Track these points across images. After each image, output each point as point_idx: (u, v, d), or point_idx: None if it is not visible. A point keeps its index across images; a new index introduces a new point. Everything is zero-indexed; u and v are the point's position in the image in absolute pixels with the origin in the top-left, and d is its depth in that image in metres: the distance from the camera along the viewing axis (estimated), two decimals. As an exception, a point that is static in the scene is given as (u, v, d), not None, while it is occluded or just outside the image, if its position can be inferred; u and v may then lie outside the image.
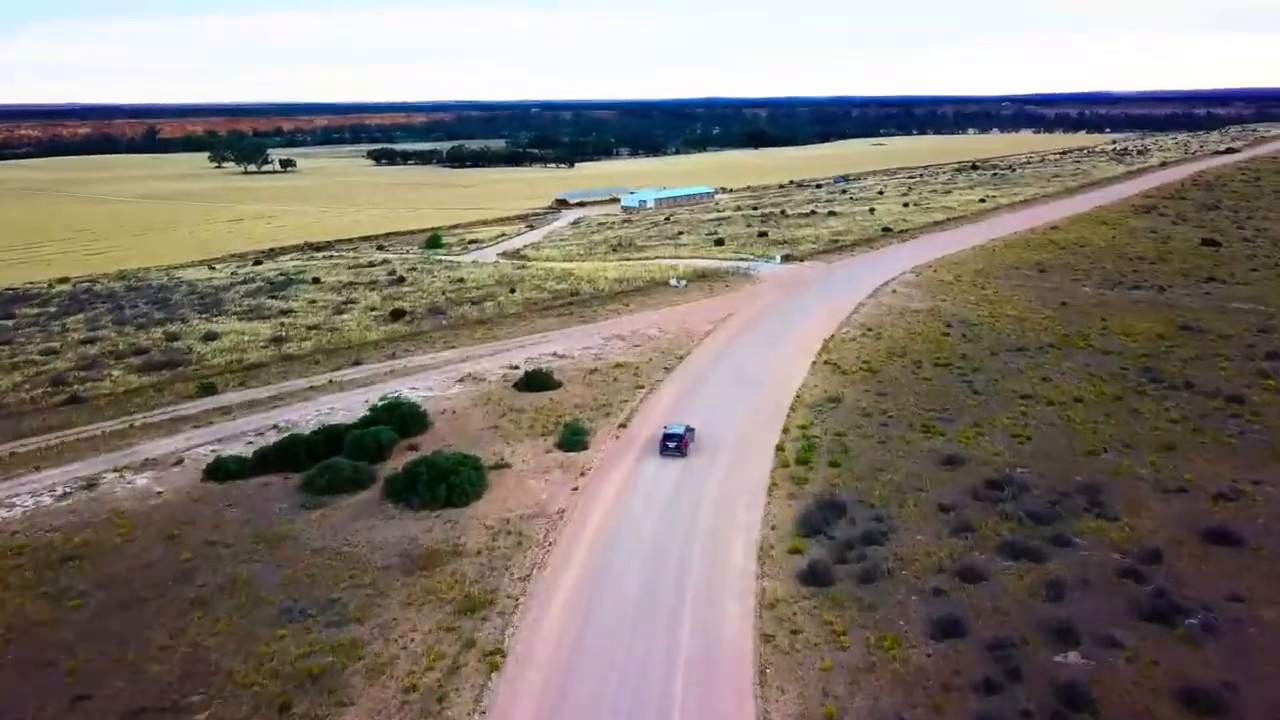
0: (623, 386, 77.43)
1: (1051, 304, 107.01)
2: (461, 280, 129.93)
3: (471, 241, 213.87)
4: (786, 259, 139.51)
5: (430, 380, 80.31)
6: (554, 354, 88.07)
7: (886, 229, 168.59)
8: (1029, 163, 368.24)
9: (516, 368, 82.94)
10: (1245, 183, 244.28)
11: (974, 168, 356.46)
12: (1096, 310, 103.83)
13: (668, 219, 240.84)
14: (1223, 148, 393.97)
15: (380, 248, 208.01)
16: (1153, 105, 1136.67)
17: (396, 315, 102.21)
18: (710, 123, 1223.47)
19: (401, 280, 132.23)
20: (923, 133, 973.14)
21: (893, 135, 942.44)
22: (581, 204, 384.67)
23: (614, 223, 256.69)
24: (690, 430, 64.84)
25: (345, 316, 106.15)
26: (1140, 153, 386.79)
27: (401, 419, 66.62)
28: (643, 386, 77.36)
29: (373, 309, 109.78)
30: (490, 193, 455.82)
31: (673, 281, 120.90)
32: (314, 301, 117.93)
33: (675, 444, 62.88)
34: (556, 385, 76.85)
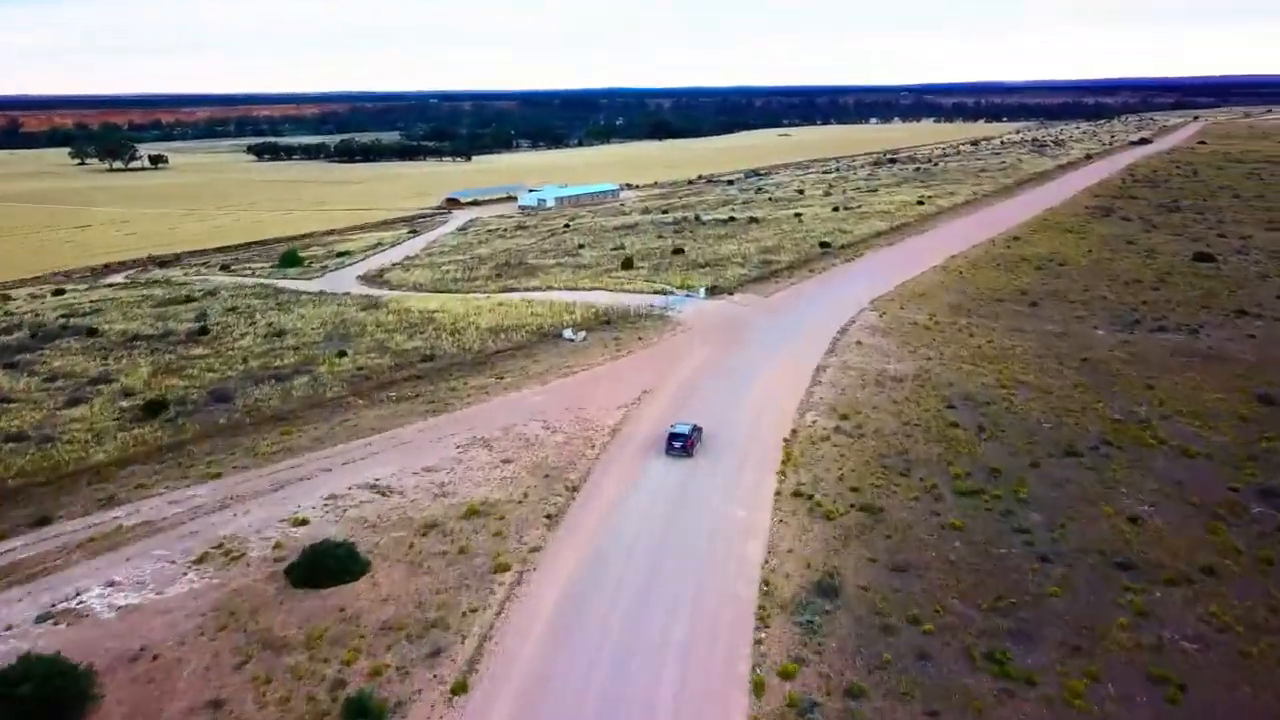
0: (474, 568, 45.98)
1: (1070, 360, 79.80)
2: (282, 333, 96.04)
3: (341, 253, 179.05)
4: (713, 291, 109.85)
5: (145, 565, 46.91)
6: (374, 484, 55.97)
7: (824, 244, 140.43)
8: (947, 155, 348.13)
9: (304, 523, 50.76)
10: (1185, 178, 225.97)
11: (891, 160, 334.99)
12: (1131, 370, 76.96)
13: (568, 225, 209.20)
14: (1136, 138, 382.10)
15: (225, 267, 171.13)
16: (1044, 95, 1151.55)
17: (152, 410, 67.91)
18: (614, 113, 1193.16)
19: (204, 331, 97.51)
20: (826, 122, 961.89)
21: (797, 125, 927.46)
22: (475, 203, 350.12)
23: (507, 229, 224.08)
24: (698, 430, 61.69)
25: (79, 411, 71.29)
26: (1057, 143, 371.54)
27: (38, 699, 34.11)
28: (506, 566, 46.13)
29: (129, 394, 75.04)
30: (377, 191, 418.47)
31: (567, 334, 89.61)
32: (53, 380, 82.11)
33: (681, 444, 59.55)
34: (359, 572, 44.99)
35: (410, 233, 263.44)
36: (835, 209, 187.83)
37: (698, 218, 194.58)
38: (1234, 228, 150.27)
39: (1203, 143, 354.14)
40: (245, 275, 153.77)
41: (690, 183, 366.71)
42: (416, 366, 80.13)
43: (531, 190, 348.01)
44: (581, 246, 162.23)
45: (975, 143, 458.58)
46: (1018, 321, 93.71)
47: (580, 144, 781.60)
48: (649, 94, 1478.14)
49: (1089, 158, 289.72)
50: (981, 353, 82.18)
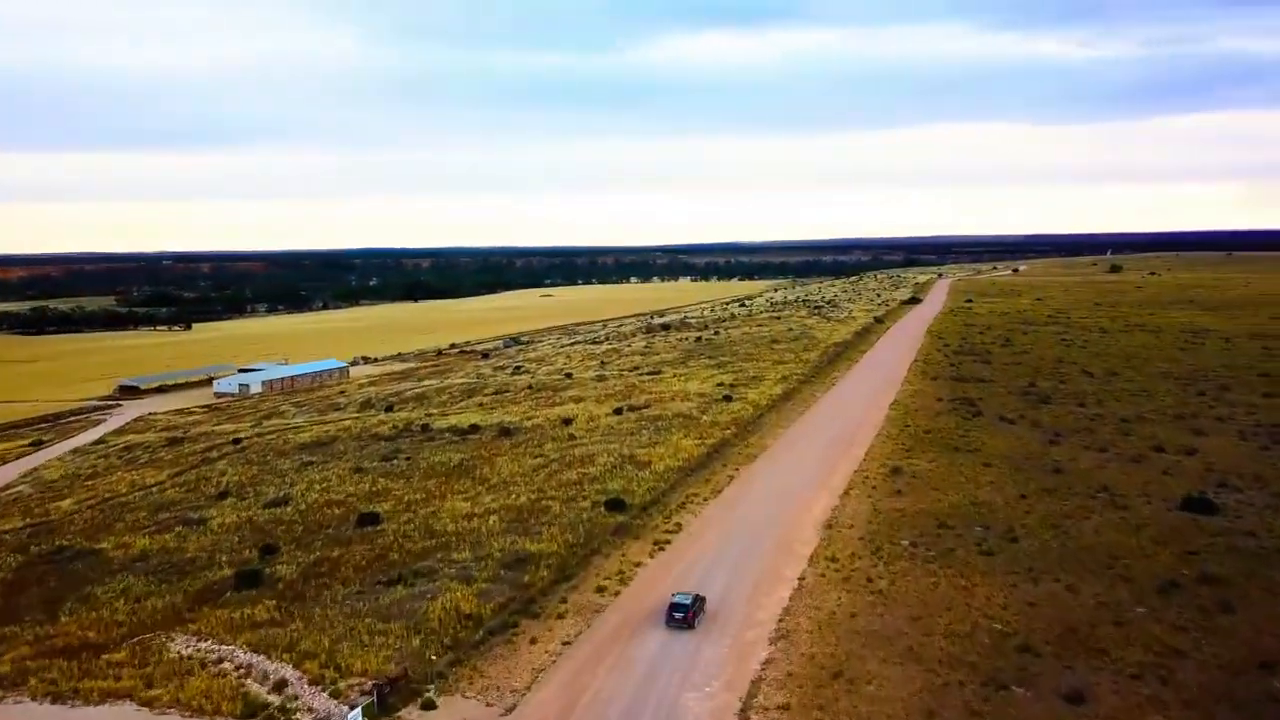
0: None
1: None
2: None
3: None
4: (386, 692, 48.94)
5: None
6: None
7: (614, 502, 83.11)
8: (721, 320, 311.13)
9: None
10: (999, 345, 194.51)
11: (664, 327, 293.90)
12: None
13: (238, 442, 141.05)
14: (907, 296, 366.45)
15: None
16: (787, 254, 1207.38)
17: None
18: (369, 273, 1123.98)
19: None
20: (588, 282, 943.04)
21: (560, 285, 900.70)
22: (161, 389, 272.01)
23: (157, 444, 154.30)
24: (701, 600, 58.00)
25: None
26: (831, 304, 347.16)
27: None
28: None
29: None
30: (57, 372, 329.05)
31: None
32: None
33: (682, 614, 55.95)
34: None
35: (32, 445, 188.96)
36: (618, 410, 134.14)
37: (426, 427, 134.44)
38: (1148, 427, 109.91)
39: (969, 301, 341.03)
40: None
41: (440, 354, 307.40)
42: None
43: (243, 369, 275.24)
44: (226, 493, 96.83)
45: (743, 302, 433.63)
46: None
47: (325, 306, 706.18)
48: (408, 254, 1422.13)
49: (879, 321, 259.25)
50: None
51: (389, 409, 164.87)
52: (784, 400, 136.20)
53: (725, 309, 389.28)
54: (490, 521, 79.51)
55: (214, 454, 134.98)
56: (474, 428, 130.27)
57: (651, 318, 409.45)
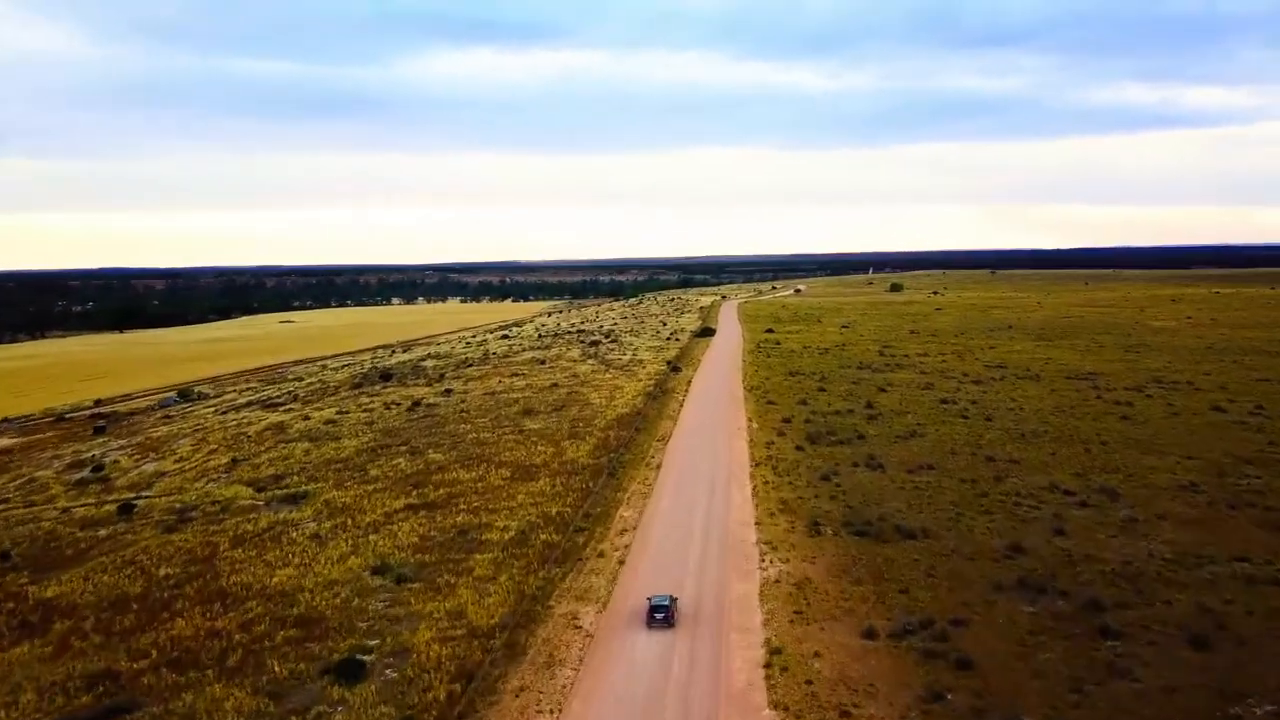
0: None
1: None
2: None
3: None
4: None
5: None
6: None
7: None
8: (469, 362, 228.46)
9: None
10: (851, 407, 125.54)
11: (386, 376, 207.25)
12: None
13: None
14: (697, 327, 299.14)
15: None
16: (564, 273, 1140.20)
17: None
18: (89, 297, 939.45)
19: None
20: (343, 303, 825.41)
21: (309, 308, 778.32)
22: None
23: None
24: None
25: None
26: (610, 337, 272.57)
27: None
28: None
29: None
30: None
31: None
32: None
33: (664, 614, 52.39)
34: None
35: None
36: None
37: None
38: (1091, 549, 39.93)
39: (770, 331, 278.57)
40: None
41: (62, 419, 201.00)
42: None
43: None
44: None
45: (507, 332, 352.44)
46: None
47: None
48: (142, 274, 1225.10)
49: (676, 369, 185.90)
50: None
51: None
52: (506, 628, 56.19)
53: (483, 342, 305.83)
54: None
55: None
56: None
57: (393, 351, 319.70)
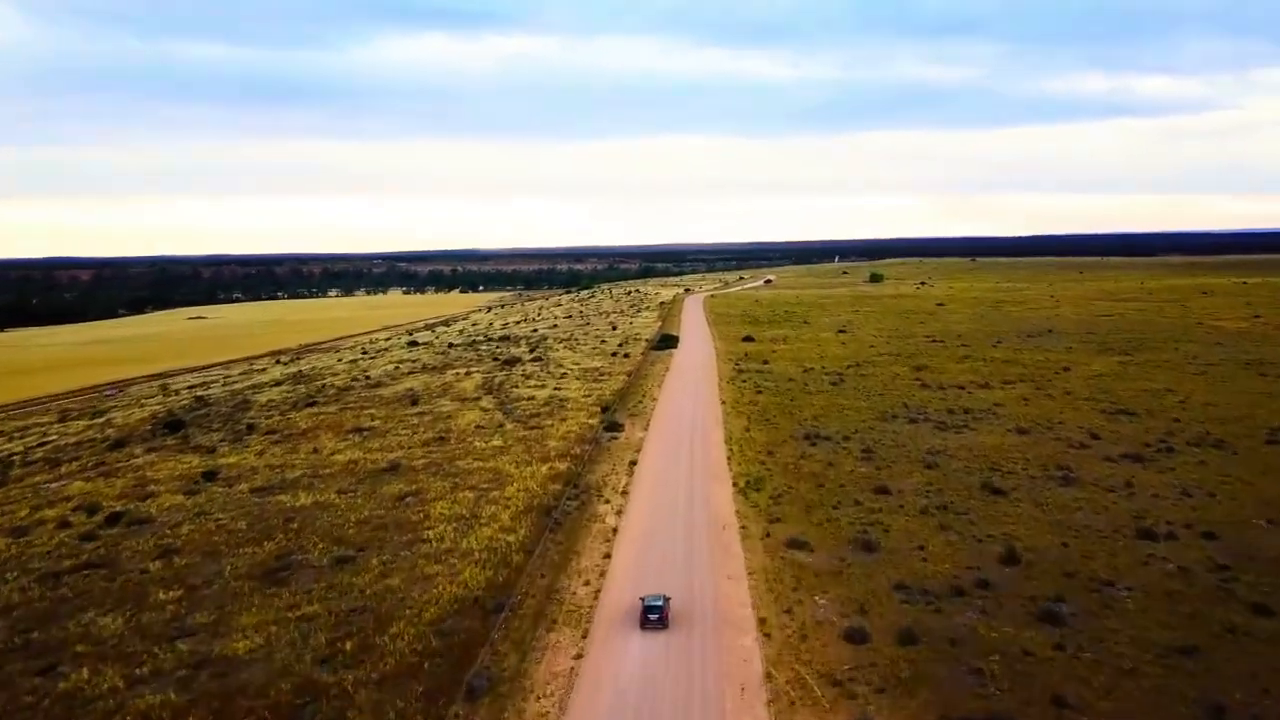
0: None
1: None
2: None
3: None
4: None
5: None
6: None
7: None
8: (321, 391, 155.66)
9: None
10: (817, 479, 56.19)
11: (171, 425, 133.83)
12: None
13: None
14: (656, 335, 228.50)
15: None
16: (519, 261, 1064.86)
17: None
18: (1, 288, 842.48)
19: None
20: (274, 296, 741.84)
21: (238, 301, 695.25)
22: None
23: None
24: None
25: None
26: (535, 353, 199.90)
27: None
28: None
29: None
30: None
31: None
32: None
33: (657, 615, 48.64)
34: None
35: None
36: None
37: None
38: None
39: (749, 339, 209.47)
40: None
41: None
42: None
43: None
44: None
45: (414, 340, 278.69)
46: None
47: None
48: (74, 264, 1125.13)
49: (613, 426, 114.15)
50: None
51: None
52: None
53: (382, 351, 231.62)
54: None
55: None
56: None
57: (279, 360, 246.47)
